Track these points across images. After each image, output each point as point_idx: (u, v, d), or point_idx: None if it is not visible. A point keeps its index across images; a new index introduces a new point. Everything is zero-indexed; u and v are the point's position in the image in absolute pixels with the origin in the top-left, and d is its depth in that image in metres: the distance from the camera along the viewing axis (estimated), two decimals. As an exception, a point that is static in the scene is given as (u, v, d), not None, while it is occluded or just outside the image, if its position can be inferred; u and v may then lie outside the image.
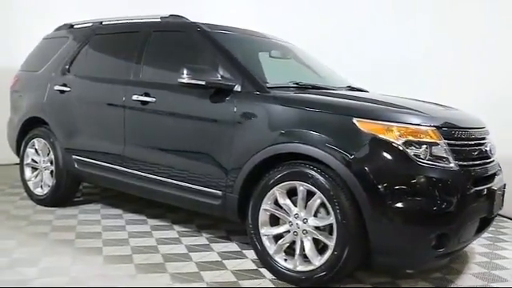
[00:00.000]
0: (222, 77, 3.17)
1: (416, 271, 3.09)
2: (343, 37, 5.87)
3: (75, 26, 4.55)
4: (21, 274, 2.87)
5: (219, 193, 3.16)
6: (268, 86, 3.14)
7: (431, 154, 2.62)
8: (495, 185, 2.89)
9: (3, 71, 5.85)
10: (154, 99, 3.48)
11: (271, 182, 2.90)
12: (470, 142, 2.85)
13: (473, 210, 2.71)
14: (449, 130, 2.74)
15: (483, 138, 3.01)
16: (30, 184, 4.47)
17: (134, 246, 3.42)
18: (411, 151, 2.59)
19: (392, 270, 3.07)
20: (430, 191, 2.56)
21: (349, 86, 3.77)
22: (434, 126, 2.68)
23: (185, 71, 3.10)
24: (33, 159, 4.48)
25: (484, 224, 2.93)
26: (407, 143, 2.60)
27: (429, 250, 2.61)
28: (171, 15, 3.81)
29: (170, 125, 3.44)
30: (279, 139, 2.88)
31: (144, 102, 3.53)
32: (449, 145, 2.67)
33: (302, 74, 3.91)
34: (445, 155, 2.64)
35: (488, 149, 2.97)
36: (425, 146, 2.61)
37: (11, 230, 3.67)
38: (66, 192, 4.31)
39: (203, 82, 3.09)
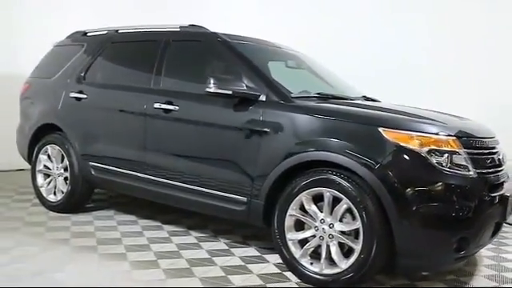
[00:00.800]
0: (247, 86, 3.27)
1: (431, 273, 3.23)
2: (344, 38, 6.02)
3: (89, 34, 4.60)
4: (52, 279, 2.93)
5: (244, 199, 3.26)
6: (292, 95, 3.26)
7: (452, 162, 2.77)
8: (507, 191, 3.06)
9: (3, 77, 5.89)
10: (176, 107, 3.57)
11: (297, 188, 3.01)
12: (484, 151, 3.01)
13: (490, 215, 2.88)
14: (467, 139, 2.90)
15: (494, 147, 3.18)
16: (43, 190, 4.50)
17: (157, 251, 3.49)
18: (434, 159, 2.74)
19: (409, 272, 3.19)
20: (452, 197, 2.72)
21: (364, 96, 3.92)
22: (454, 136, 2.84)
23: (211, 81, 3.21)
24: (45, 165, 4.50)
25: (497, 228, 3.10)
26: (430, 152, 2.75)
27: (450, 252, 2.77)
28: (190, 25, 3.89)
29: (193, 132, 3.53)
30: (306, 147, 3.00)
31: (166, 110, 3.62)
32: (468, 153, 2.83)
33: (315, 84, 4.05)
34: (464, 163, 2.79)
35: (500, 157, 3.15)
36: (446, 155, 2.76)
37: (31, 237, 3.70)
38: (81, 198, 4.36)
39: (230, 92, 3.20)
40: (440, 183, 2.71)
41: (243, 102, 3.28)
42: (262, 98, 3.24)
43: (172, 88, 3.71)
